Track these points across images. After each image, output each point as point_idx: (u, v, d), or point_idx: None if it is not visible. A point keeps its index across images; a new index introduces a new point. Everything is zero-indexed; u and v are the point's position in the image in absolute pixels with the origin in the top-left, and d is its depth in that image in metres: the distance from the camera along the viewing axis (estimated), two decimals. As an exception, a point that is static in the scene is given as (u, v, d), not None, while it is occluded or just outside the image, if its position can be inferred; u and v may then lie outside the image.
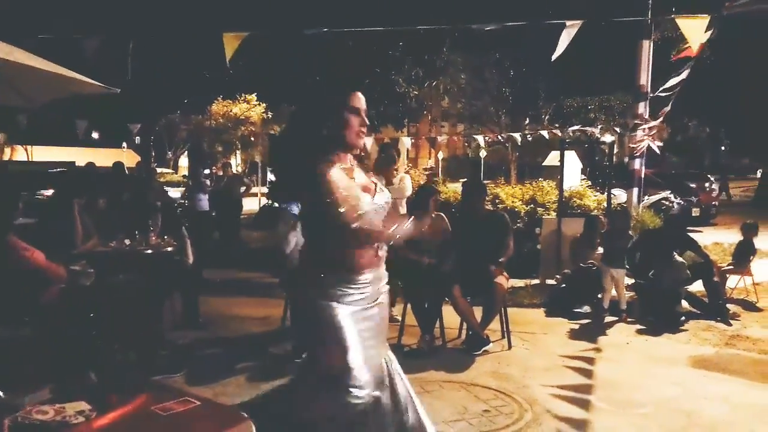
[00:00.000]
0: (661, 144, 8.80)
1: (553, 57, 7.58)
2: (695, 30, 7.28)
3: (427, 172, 16.06)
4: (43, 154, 32.22)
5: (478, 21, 7.83)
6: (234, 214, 10.94)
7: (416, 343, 5.15)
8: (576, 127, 13.59)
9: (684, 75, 8.31)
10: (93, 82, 4.64)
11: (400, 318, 5.43)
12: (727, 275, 7.05)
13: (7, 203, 4.07)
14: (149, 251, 5.28)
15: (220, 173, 12.34)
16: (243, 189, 11.40)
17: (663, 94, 8.56)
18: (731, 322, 6.13)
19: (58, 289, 3.99)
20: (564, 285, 6.76)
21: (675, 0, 8.88)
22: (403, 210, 5.78)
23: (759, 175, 26.90)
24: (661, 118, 8.75)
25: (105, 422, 2.01)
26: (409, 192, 5.86)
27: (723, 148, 48.59)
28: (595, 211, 8.19)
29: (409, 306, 5.31)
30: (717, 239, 11.06)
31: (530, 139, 16.14)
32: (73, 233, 4.83)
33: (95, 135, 40.43)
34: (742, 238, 7.26)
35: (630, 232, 6.69)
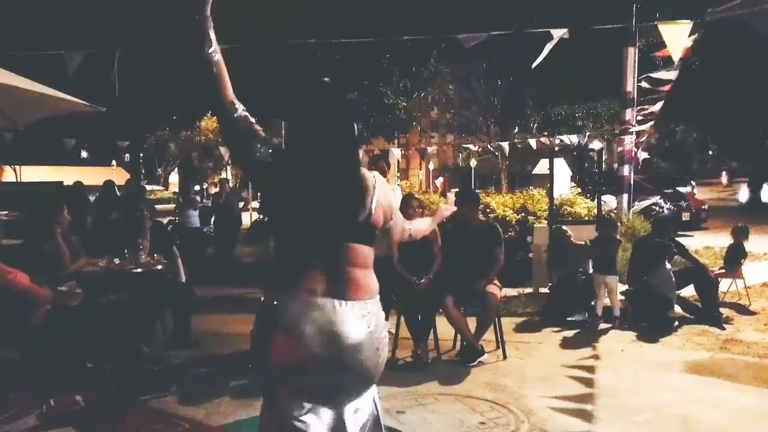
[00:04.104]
0: (645, 154, 8.88)
1: (534, 64, 7.63)
2: (678, 36, 7.34)
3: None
4: (32, 174, 32.01)
5: (464, 31, 7.85)
6: (233, 230, 10.88)
7: (410, 355, 5.11)
8: (564, 137, 13.67)
9: (672, 76, 8.35)
10: (78, 100, 4.60)
11: (393, 331, 5.40)
12: (719, 279, 7.05)
13: None
14: (139, 270, 5.23)
15: (212, 190, 12.34)
16: (241, 204, 11.40)
17: (648, 86, 8.62)
18: (724, 326, 6.13)
19: (44, 310, 3.92)
20: (555, 294, 6.75)
21: (659, 6, 8.97)
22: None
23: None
24: (650, 123, 8.81)
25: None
26: (398, 204, 5.87)
27: (711, 152, 48.99)
28: (586, 217, 8.20)
29: (402, 318, 5.28)
30: (708, 243, 11.11)
31: (520, 147, 16.22)
32: (59, 254, 4.77)
33: (84, 153, 40.29)
34: (732, 241, 7.28)
35: (618, 238, 6.69)
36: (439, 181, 29.74)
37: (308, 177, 1.97)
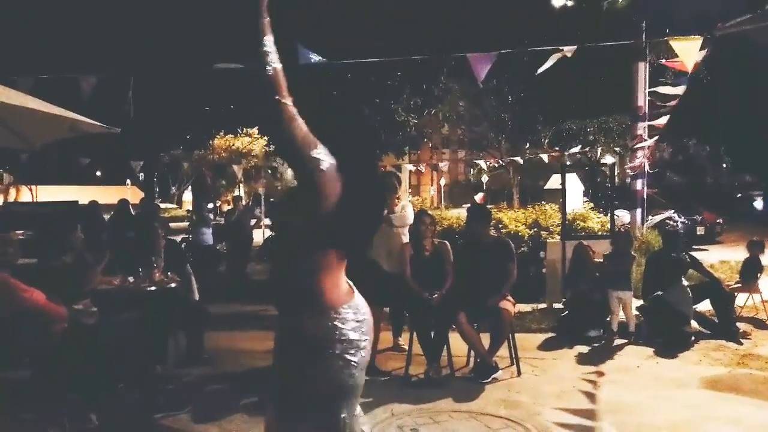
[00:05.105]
0: (649, 164, 8.86)
1: (539, 71, 7.66)
2: (689, 51, 7.34)
3: None
4: (47, 193, 32.41)
5: (474, 49, 7.91)
6: (245, 248, 10.91)
7: (424, 372, 5.08)
8: (576, 149, 13.65)
9: (680, 90, 8.34)
10: (92, 122, 4.66)
11: (406, 347, 5.38)
12: (736, 293, 6.97)
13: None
14: (153, 288, 5.26)
15: (225, 207, 12.43)
16: (254, 222, 11.44)
17: (657, 101, 8.62)
18: (742, 341, 6.05)
19: (60, 329, 3.95)
20: (570, 310, 6.69)
21: (668, 22, 9.00)
22: (405, 238, 5.77)
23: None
24: (655, 137, 8.79)
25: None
26: (410, 220, 5.87)
27: (725, 165, 48.57)
28: (600, 232, 8.16)
29: (415, 335, 5.27)
30: (723, 257, 10.99)
31: (531, 162, 16.20)
32: (80, 270, 4.81)
33: (99, 173, 40.85)
34: (748, 255, 7.20)
35: (633, 253, 6.63)
36: (479, 196, 30.04)
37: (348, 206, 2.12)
